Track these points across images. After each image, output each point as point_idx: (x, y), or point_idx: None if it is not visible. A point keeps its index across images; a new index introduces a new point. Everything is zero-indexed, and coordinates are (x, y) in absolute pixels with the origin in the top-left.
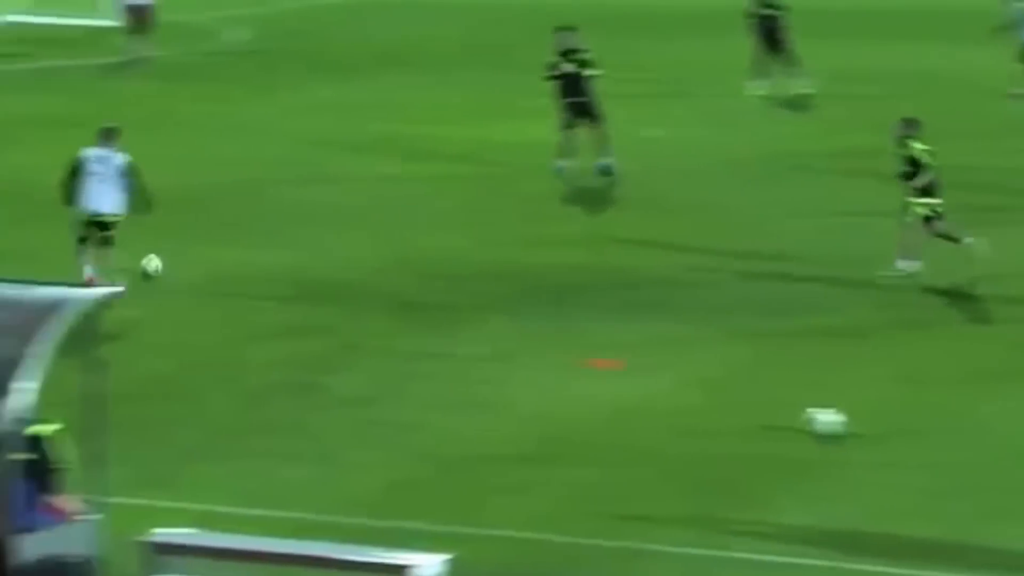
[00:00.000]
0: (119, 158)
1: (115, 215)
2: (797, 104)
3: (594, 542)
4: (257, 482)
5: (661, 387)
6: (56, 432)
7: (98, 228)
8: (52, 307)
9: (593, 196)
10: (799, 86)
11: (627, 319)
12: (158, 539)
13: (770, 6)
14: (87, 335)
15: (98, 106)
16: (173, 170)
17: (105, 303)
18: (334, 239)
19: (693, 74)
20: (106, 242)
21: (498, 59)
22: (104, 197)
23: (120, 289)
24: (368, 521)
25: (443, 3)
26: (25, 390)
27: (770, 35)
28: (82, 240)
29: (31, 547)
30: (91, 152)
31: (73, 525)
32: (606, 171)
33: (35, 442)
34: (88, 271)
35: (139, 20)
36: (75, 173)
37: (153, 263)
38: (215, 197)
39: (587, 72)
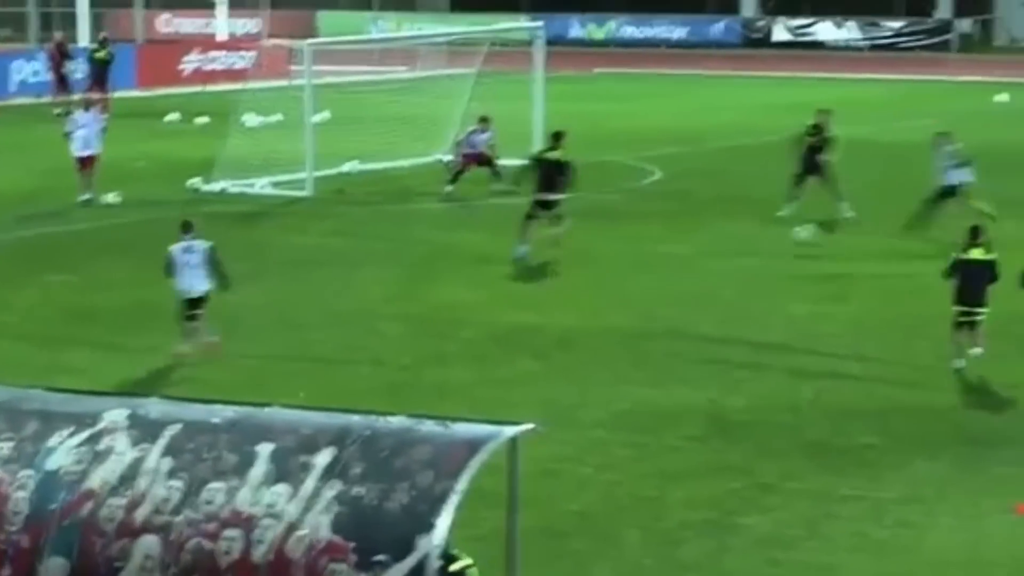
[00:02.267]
0: (201, 244)
1: (203, 293)
2: None
3: None
4: None
5: None
6: (469, 567)
7: (191, 306)
8: (473, 443)
9: (1012, 339)
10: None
11: None
12: None
13: None
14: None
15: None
16: (593, 308)
17: (523, 439)
18: (748, 377)
19: None
20: (198, 318)
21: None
22: (195, 280)
23: (533, 426)
24: None
25: (855, 140)
26: (447, 526)
27: None
28: (185, 319)
29: None
30: (177, 247)
31: None
32: None
33: None
34: (183, 347)
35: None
36: (168, 267)
37: (805, 232)
38: (634, 336)
39: None
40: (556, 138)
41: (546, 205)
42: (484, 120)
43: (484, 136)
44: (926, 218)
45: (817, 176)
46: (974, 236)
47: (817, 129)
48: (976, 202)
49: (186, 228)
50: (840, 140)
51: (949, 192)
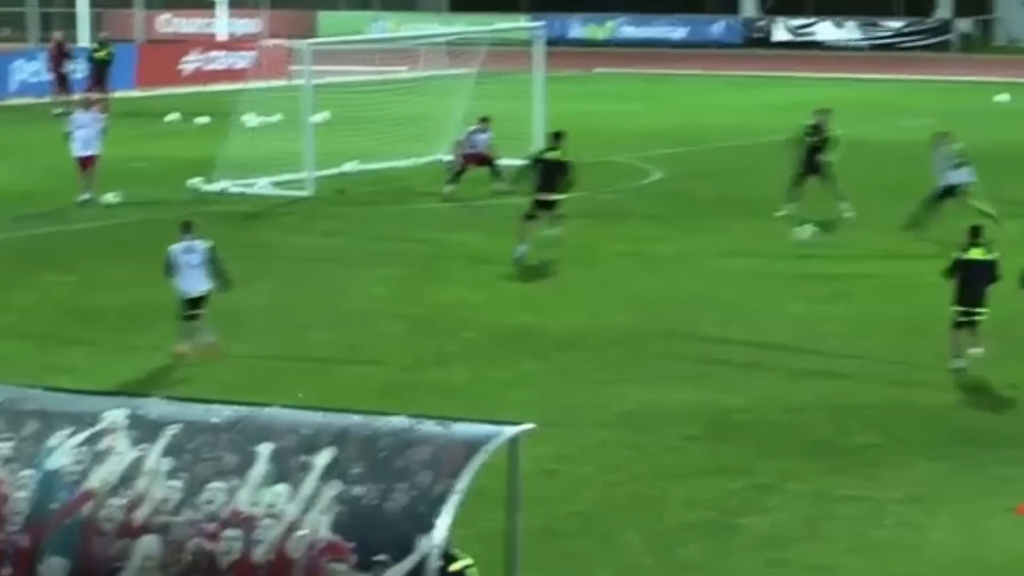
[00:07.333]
0: (201, 244)
1: (204, 293)
2: None
3: None
4: None
5: None
6: (469, 567)
7: (192, 306)
8: (472, 443)
9: (1012, 340)
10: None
11: None
12: None
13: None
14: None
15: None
16: (593, 308)
17: (523, 439)
18: (748, 377)
19: None
20: (198, 318)
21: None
22: (195, 280)
23: (533, 426)
24: None
25: (855, 140)
26: (446, 526)
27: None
28: (185, 319)
29: None
30: (178, 247)
31: None
32: None
33: None
34: (183, 347)
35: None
36: (169, 267)
37: (804, 232)
38: (635, 336)
39: None
40: (556, 138)
41: (546, 205)
42: (485, 120)
43: (485, 136)
44: (924, 218)
45: (817, 176)
46: (974, 236)
47: (816, 129)
48: (977, 202)
49: (186, 228)
50: (840, 139)
51: (949, 192)
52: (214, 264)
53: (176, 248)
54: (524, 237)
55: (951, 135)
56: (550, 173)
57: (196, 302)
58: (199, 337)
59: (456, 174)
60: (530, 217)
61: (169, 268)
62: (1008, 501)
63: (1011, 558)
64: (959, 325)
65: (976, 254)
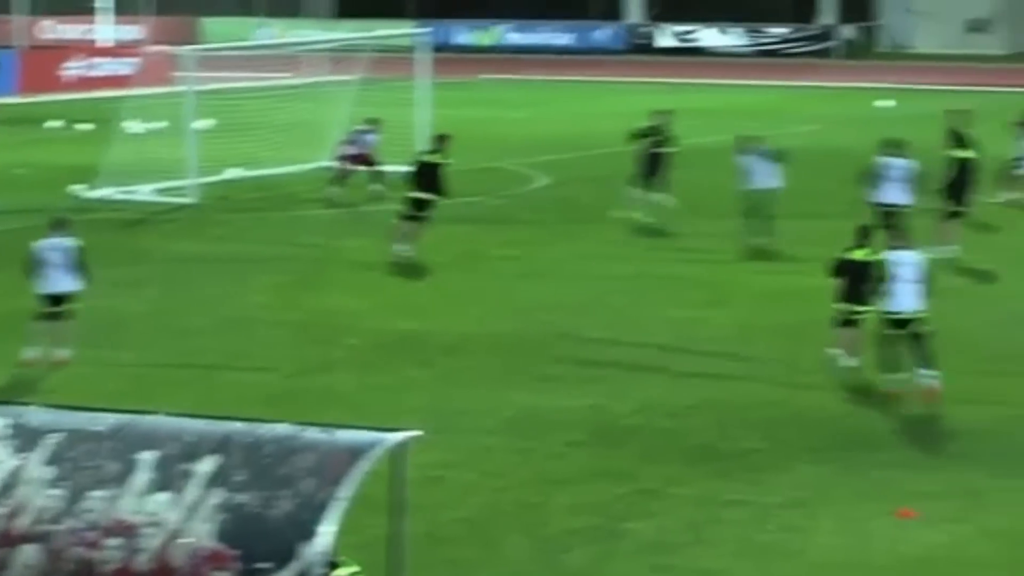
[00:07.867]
0: (67, 243)
1: (66, 292)
2: None
3: None
4: None
5: (965, 538)
6: (356, 574)
7: (52, 305)
8: (356, 450)
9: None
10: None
11: (931, 468)
12: None
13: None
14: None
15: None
16: (478, 314)
17: (408, 446)
18: (632, 383)
19: None
20: (60, 317)
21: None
22: (57, 279)
23: (417, 433)
24: None
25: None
26: (329, 533)
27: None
28: (43, 318)
29: None
30: (43, 243)
31: None
32: None
33: None
34: (32, 353)
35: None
36: (31, 264)
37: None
38: (519, 342)
39: None
40: (440, 140)
41: (420, 205)
42: (374, 121)
43: (372, 138)
44: (753, 227)
45: (655, 175)
46: (862, 236)
47: (653, 131)
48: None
49: (57, 225)
50: (678, 140)
51: (757, 198)
52: (80, 264)
53: (41, 245)
54: (403, 237)
55: (760, 139)
56: (426, 174)
57: (57, 301)
58: (56, 345)
59: (341, 177)
60: (408, 217)
61: (31, 265)
62: (889, 504)
63: (893, 560)
64: (843, 323)
65: (859, 254)
